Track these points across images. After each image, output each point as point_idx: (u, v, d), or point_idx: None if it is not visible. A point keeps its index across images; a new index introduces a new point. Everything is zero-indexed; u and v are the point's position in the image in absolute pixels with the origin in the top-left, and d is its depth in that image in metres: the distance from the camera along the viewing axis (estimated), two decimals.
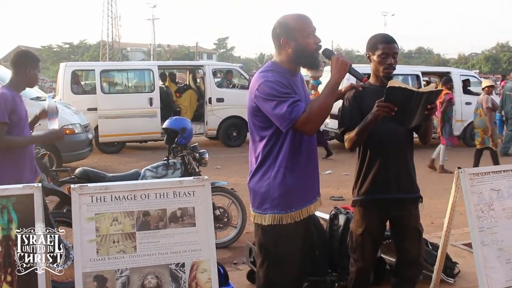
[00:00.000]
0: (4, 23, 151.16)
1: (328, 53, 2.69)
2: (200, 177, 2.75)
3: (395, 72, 3.13)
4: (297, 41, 2.64)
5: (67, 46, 68.41)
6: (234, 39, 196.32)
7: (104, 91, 12.32)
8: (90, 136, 9.69)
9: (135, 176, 5.09)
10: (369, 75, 3.19)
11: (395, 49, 3.07)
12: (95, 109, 11.77)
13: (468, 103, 12.99)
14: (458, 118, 12.84)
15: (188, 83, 15.28)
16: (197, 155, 5.37)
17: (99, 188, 2.55)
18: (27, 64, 3.62)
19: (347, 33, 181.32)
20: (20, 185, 2.54)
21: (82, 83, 14.60)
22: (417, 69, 14.20)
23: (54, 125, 3.66)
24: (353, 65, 2.65)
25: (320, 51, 2.70)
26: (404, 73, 14.29)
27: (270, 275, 2.77)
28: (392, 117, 2.82)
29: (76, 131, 9.07)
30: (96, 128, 11.59)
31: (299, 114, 2.51)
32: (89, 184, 2.58)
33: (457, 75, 13.35)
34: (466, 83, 13.60)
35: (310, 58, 2.68)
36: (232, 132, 12.98)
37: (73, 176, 4.87)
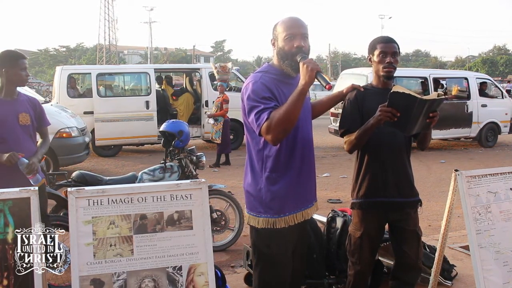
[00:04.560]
0: (1, 27, 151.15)
1: (300, 59, 2.55)
2: (197, 180, 2.74)
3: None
4: (279, 42, 2.64)
5: (64, 49, 68.31)
6: (231, 42, 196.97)
7: (101, 95, 12.33)
8: (87, 139, 9.68)
9: (132, 180, 5.08)
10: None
11: (394, 48, 3.06)
12: (92, 112, 11.78)
13: (484, 105, 13.49)
14: (474, 120, 13.33)
15: (184, 86, 15.26)
16: (194, 158, 5.37)
17: (96, 192, 2.54)
18: (1, 65, 3.55)
19: (344, 36, 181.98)
20: (17, 189, 2.53)
21: (78, 86, 14.58)
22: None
23: (35, 181, 3.53)
24: (322, 72, 2.49)
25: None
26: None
27: (264, 276, 2.77)
28: (394, 122, 2.81)
29: (73, 134, 9.06)
30: (92, 132, 11.61)
31: (262, 122, 2.47)
32: (86, 188, 2.57)
33: (473, 78, 13.80)
34: (482, 86, 14.03)
35: (288, 60, 2.61)
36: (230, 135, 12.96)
37: (70, 180, 4.86)
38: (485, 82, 14.37)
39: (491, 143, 13.82)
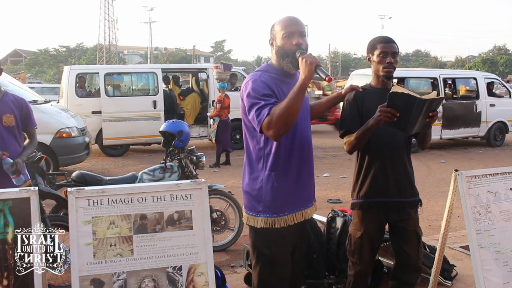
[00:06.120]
0: (1, 27, 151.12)
1: (299, 54, 2.57)
2: (197, 180, 2.74)
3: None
4: (277, 41, 2.65)
5: (64, 49, 68.33)
6: (231, 42, 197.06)
7: (108, 94, 12.39)
8: (87, 139, 9.67)
9: (132, 180, 5.08)
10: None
11: (394, 49, 3.06)
12: (100, 112, 11.83)
13: (492, 105, 13.66)
14: (483, 119, 13.52)
15: (191, 86, 15.29)
16: (194, 158, 5.37)
17: (96, 192, 2.54)
18: None
19: (344, 36, 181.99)
20: (17, 189, 2.53)
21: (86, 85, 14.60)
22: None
23: (18, 181, 3.55)
24: (322, 66, 2.53)
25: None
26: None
27: (263, 276, 2.76)
28: (394, 122, 2.80)
29: (73, 134, 9.06)
30: (100, 131, 11.70)
31: (263, 118, 2.47)
32: (86, 188, 2.57)
33: (482, 78, 13.97)
34: (490, 86, 14.20)
35: (288, 58, 2.62)
36: (235, 135, 12.82)
37: (70, 180, 4.86)
38: (493, 82, 14.56)
39: (499, 142, 14.02)
